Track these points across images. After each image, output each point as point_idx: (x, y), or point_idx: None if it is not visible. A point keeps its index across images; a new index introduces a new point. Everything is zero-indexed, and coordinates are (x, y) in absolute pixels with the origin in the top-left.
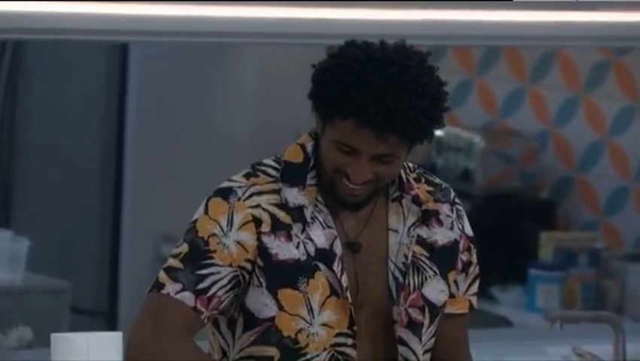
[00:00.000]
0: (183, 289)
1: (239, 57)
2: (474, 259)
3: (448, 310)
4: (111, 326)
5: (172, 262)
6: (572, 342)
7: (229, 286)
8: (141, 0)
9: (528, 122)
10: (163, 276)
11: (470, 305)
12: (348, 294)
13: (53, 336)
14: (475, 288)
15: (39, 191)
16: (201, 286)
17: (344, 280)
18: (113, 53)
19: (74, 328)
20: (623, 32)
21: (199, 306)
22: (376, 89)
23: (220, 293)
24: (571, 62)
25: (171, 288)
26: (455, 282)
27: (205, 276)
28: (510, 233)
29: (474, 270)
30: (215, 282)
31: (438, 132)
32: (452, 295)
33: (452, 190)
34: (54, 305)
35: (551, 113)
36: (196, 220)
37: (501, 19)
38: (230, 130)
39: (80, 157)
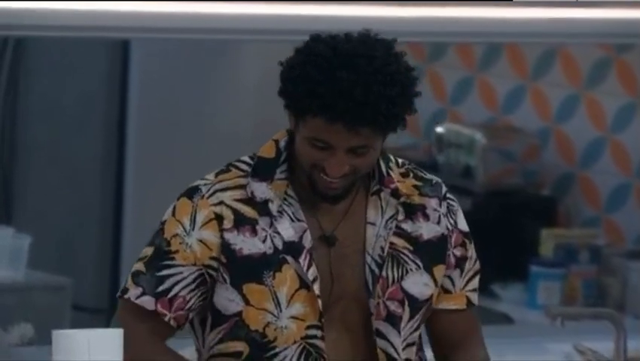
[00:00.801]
0: (143, 293)
1: (240, 54)
2: (471, 254)
3: (444, 305)
4: (112, 323)
5: (138, 265)
6: (573, 339)
7: (193, 285)
8: None
9: (530, 119)
10: (128, 280)
11: (469, 301)
12: (315, 287)
13: (55, 333)
14: (474, 284)
15: (40, 188)
16: (161, 288)
17: (311, 272)
18: (114, 51)
19: (76, 325)
20: (624, 29)
21: (160, 309)
22: (343, 84)
23: (183, 293)
24: (572, 58)
25: (132, 293)
26: (450, 278)
27: (166, 277)
28: (511, 230)
29: (472, 266)
30: (177, 282)
31: (439, 129)
32: (447, 291)
33: (444, 186)
34: (55, 302)
35: (552, 110)
36: (164, 222)
37: (503, 16)
38: (230, 128)
39: (82, 154)
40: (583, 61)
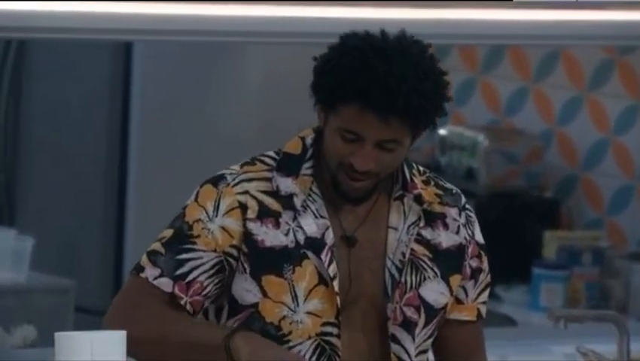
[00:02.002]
0: (161, 275)
1: (243, 56)
2: (485, 266)
3: (455, 316)
4: None
5: (156, 245)
6: (576, 341)
7: (212, 272)
8: None
9: (532, 121)
10: (144, 259)
11: (479, 313)
12: (335, 284)
13: (57, 335)
14: (485, 297)
15: (43, 190)
16: (180, 271)
17: (332, 269)
18: (117, 53)
19: (79, 327)
20: (627, 31)
21: (177, 292)
22: (377, 73)
23: (201, 278)
24: (575, 60)
25: (149, 273)
26: (464, 288)
27: (185, 261)
28: (514, 232)
29: (485, 278)
30: (196, 267)
31: (442, 131)
32: (460, 302)
33: (463, 196)
34: (58, 304)
35: (555, 112)
36: (186, 206)
37: (506, 17)
38: (233, 130)
39: (84, 156)
40: (586, 63)
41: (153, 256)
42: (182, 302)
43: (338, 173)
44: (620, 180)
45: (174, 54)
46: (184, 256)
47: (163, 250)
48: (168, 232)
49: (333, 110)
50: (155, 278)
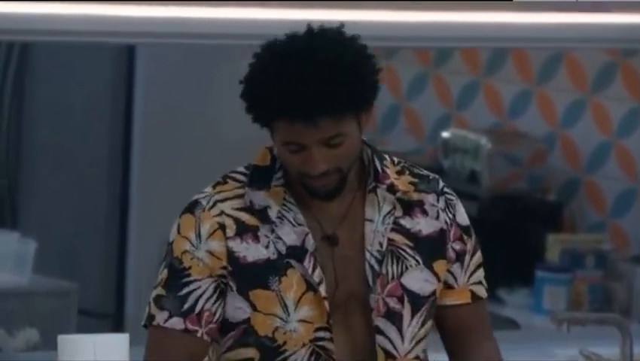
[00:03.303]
0: (170, 316)
1: (245, 59)
2: (470, 247)
3: (447, 301)
4: (118, 327)
5: (157, 290)
6: (579, 344)
7: (215, 297)
8: (148, 1)
9: (535, 123)
10: (152, 307)
11: (474, 295)
12: (322, 288)
13: (60, 338)
14: (478, 277)
15: (46, 193)
16: (186, 306)
17: (317, 275)
18: (119, 56)
19: (81, 330)
20: (630, 34)
21: (190, 326)
22: (289, 80)
23: (208, 306)
24: (578, 63)
25: (160, 318)
26: (451, 273)
27: (188, 295)
28: (517, 235)
29: (473, 259)
30: (200, 296)
31: (445, 134)
32: (450, 287)
33: (441, 181)
34: (61, 307)
35: (558, 114)
36: (172, 242)
37: (508, 20)
38: (236, 133)
39: (87, 159)
40: (589, 66)
41: (157, 301)
42: (198, 335)
43: (302, 180)
44: (623, 183)
45: (176, 57)
46: (184, 290)
47: (164, 292)
48: (164, 274)
49: (270, 128)
50: (165, 321)
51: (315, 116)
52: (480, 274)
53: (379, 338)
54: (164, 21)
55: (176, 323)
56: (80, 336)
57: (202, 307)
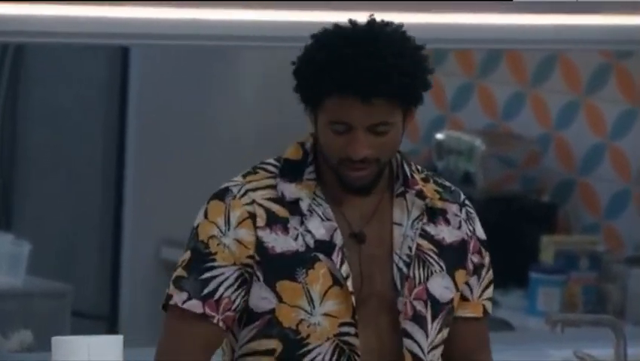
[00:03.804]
0: (189, 298)
1: (240, 59)
2: (487, 262)
3: (461, 313)
4: (112, 329)
5: (178, 271)
6: (573, 345)
7: (236, 285)
8: (142, 2)
9: (529, 125)
10: (171, 287)
11: (485, 310)
12: (349, 283)
13: (54, 339)
14: (489, 293)
15: (40, 194)
16: (207, 290)
17: (344, 269)
18: (114, 57)
19: (75, 331)
20: (624, 35)
21: (208, 311)
22: (350, 58)
23: (228, 293)
24: (572, 65)
25: (178, 298)
26: (468, 285)
27: (210, 279)
28: (511, 236)
29: (487, 274)
30: (221, 283)
31: (439, 135)
32: (466, 299)
33: (462, 193)
34: (55, 309)
35: (552, 116)
36: (197, 225)
37: (502, 22)
38: (231, 133)
39: (82, 161)
40: (583, 67)
41: (177, 282)
42: (214, 321)
43: (339, 168)
44: (617, 185)
45: (170, 58)
46: (207, 275)
47: (185, 274)
48: (186, 255)
49: (318, 106)
50: (184, 302)
51: (371, 96)
52: (491, 290)
53: (407, 341)
54: (158, 22)
55: (195, 305)
56: (74, 338)
57: (222, 294)
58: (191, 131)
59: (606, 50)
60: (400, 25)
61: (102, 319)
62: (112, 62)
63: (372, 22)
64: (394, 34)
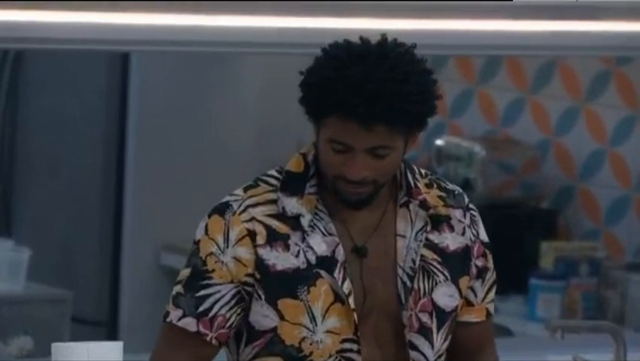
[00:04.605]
0: (184, 315)
1: (240, 65)
2: (490, 265)
3: (465, 318)
4: (112, 335)
5: (177, 288)
6: (573, 352)
7: (232, 303)
8: (142, 8)
9: (529, 131)
10: (169, 304)
11: (487, 312)
12: (351, 300)
13: (54, 345)
14: (492, 295)
15: (40, 200)
16: (202, 308)
17: (346, 286)
18: (114, 63)
19: (75, 337)
20: (623, 42)
21: (202, 329)
22: (355, 80)
23: (223, 312)
24: (572, 71)
25: (173, 315)
26: (472, 289)
27: (206, 297)
28: (511, 242)
29: (491, 276)
30: (217, 301)
31: (439, 142)
32: (470, 303)
33: (465, 196)
34: (55, 315)
35: (552, 122)
36: (198, 241)
37: (502, 28)
38: (231, 139)
39: (81, 166)
40: (583, 73)
41: (175, 299)
42: (207, 338)
43: (336, 183)
44: (617, 191)
45: (171, 64)
46: (202, 292)
47: (182, 291)
48: (186, 272)
49: (320, 122)
50: (179, 319)
51: (372, 121)
52: (494, 292)
53: (413, 354)
54: (158, 29)
55: (189, 323)
56: (74, 344)
57: (217, 312)
58: (191, 137)
59: (606, 56)
60: (413, 46)
61: (102, 325)
62: (112, 68)
63: (383, 42)
64: (404, 56)
